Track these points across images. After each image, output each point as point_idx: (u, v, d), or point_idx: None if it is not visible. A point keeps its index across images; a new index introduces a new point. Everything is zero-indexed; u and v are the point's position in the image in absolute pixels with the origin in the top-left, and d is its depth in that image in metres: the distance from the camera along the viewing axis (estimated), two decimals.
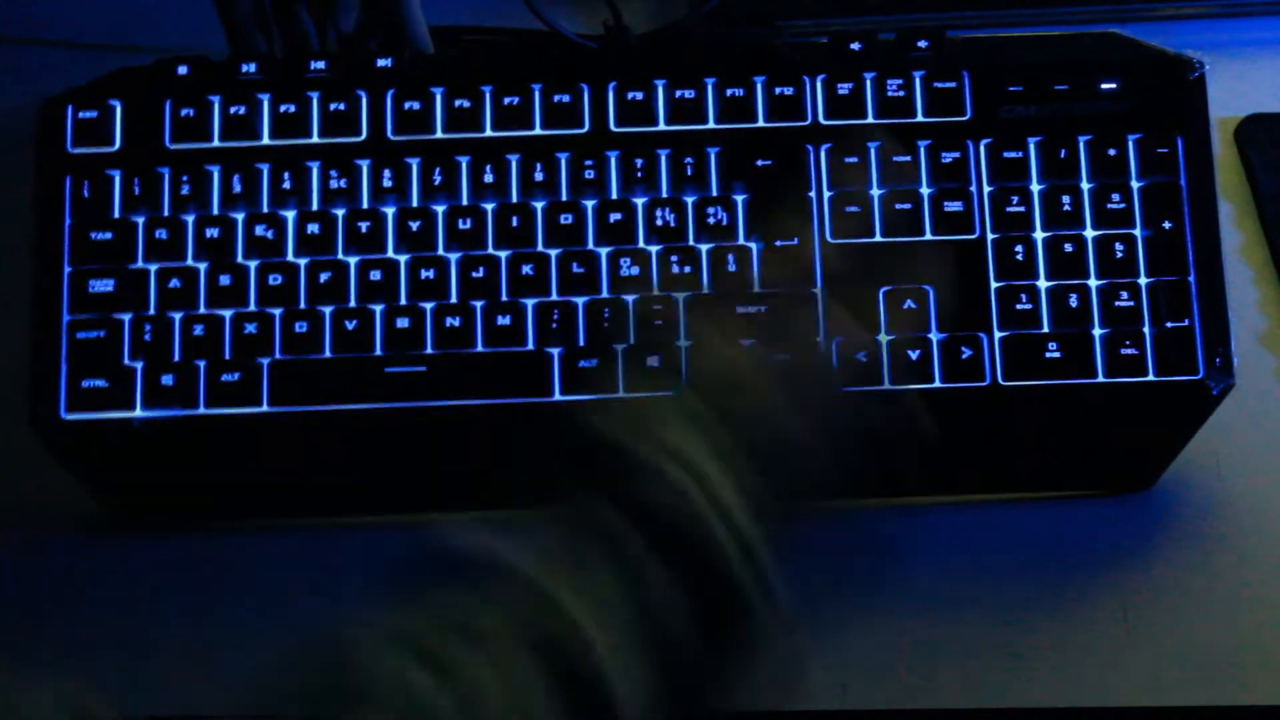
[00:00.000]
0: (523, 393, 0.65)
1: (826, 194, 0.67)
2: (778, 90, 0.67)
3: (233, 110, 0.68)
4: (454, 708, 0.44)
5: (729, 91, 0.67)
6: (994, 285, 0.66)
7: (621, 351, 0.65)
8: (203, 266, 0.67)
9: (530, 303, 0.66)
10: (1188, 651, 0.64)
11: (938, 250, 0.66)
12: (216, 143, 0.68)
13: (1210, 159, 0.66)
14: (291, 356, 0.66)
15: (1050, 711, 0.63)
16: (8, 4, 0.86)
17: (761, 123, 0.67)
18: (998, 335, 0.65)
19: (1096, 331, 0.65)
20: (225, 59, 0.69)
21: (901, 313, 0.65)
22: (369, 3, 0.75)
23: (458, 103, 0.68)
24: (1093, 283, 0.66)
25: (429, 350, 0.66)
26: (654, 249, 0.66)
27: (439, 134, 0.68)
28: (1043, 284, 0.66)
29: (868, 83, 0.67)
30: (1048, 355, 0.65)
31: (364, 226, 0.67)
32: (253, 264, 0.67)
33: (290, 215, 0.67)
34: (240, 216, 0.67)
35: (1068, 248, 0.66)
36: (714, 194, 0.67)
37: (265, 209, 0.67)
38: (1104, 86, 0.67)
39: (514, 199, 0.67)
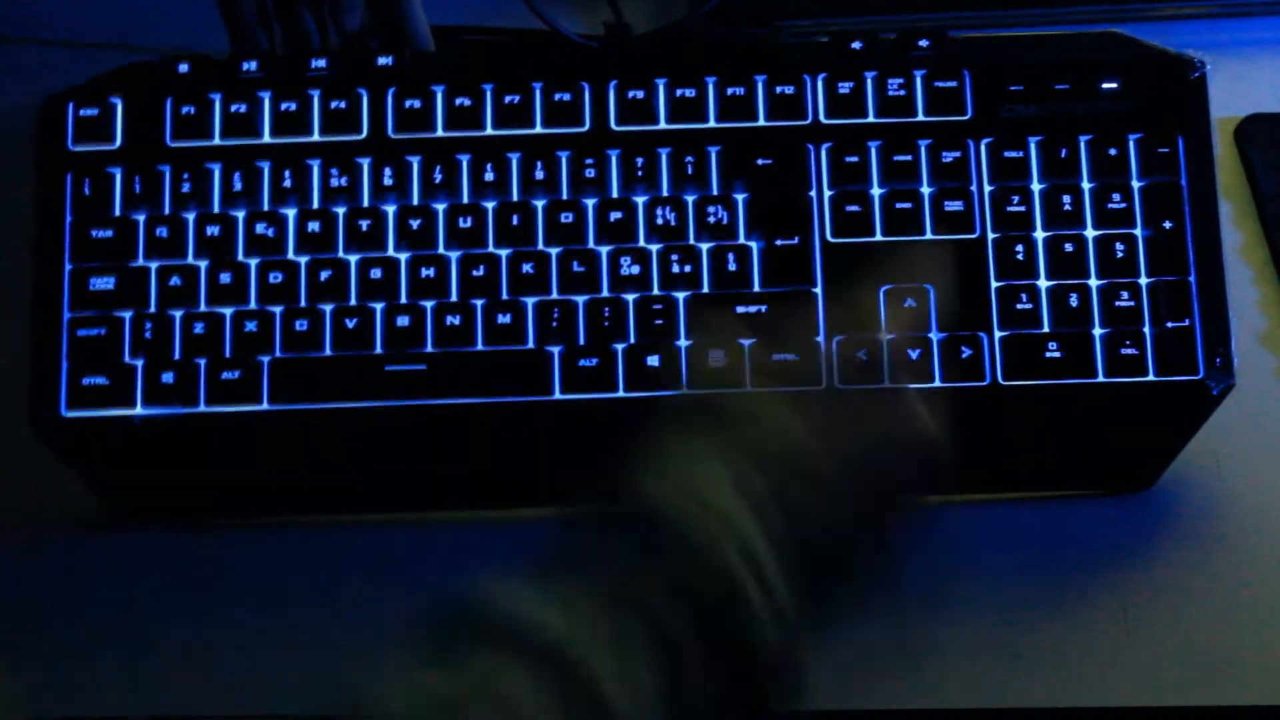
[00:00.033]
0: (523, 391, 0.65)
1: (827, 193, 0.67)
2: (778, 89, 0.67)
3: (234, 108, 0.68)
4: None
5: (730, 90, 0.67)
6: (994, 285, 0.66)
7: (622, 350, 0.65)
8: (203, 264, 0.67)
9: (530, 301, 0.66)
10: (1188, 651, 0.64)
11: (938, 249, 0.66)
12: (217, 140, 0.68)
13: (1211, 159, 0.66)
14: (292, 355, 0.66)
15: (1050, 711, 0.63)
16: (8, 4, 0.86)
17: (762, 121, 0.67)
18: (998, 335, 0.65)
19: (1097, 331, 0.65)
20: (226, 57, 0.69)
21: (902, 312, 0.65)
22: (372, 1, 0.75)
23: (459, 101, 0.68)
24: (1093, 282, 0.66)
25: (429, 349, 0.66)
26: (654, 248, 0.66)
27: (440, 132, 0.68)
28: (1043, 284, 0.66)
29: (869, 82, 0.67)
30: (1048, 355, 0.65)
31: (365, 225, 0.67)
32: (253, 262, 0.67)
33: (291, 213, 0.67)
34: (241, 214, 0.67)
35: (1068, 247, 0.66)
36: (715, 193, 0.67)
37: (266, 207, 0.67)
38: (1105, 86, 0.67)
39: (515, 197, 0.67)
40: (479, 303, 0.66)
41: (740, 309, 0.66)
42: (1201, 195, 0.66)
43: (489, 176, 0.67)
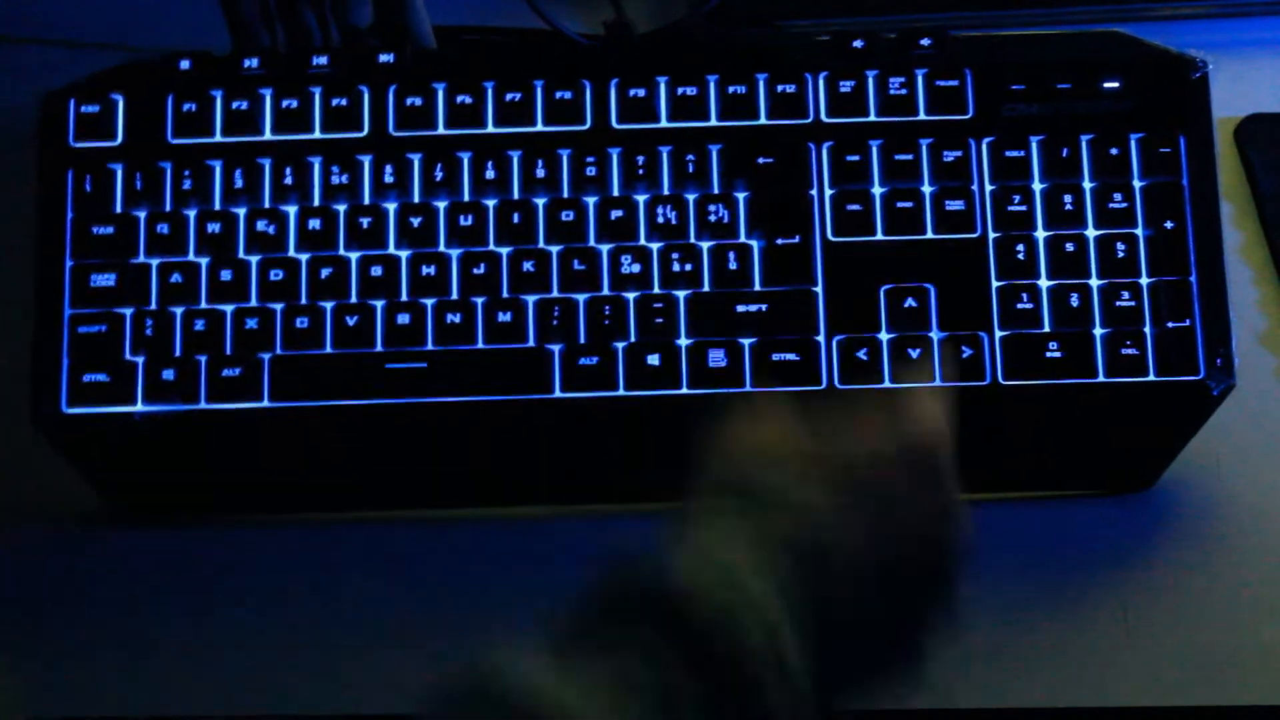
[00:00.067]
0: (523, 389, 0.65)
1: (828, 192, 0.67)
2: (780, 88, 0.67)
3: (235, 105, 0.68)
4: None
5: (731, 89, 0.67)
6: (995, 284, 0.66)
7: (622, 349, 0.65)
8: (204, 261, 0.67)
9: (531, 299, 0.66)
10: (1188, 651, 0.64)
11: (939, 249, 0.66)
12: (218, 137, 0.68)
13: (1213, 158, 0.66)
14: (292, 352, 0.66)
15: (1050, 711, 0.63)
16: (8, 4, 0.86)
17: (763, 120, 0.67)
18: (998, 334, 0.65)
19: (1097, 331, 0.65)
20: (228, 54, 0.69)
21: (902, 311, 0.65)
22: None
23: (460, 99, 0.68)
24: (1094, 282, 0.66)
25: (430, 346, 0.66)
26: (655, 246, 0.66)
27: (441, 130, 0.68)
28: (1044, 283, 0.66)
29: (870, 81, 0.67)
30: (1048, 355, 0.65)
31: (365, 222, 0.67)
32: (254, 259, 0.67)
33: (292, 210, 0.67)
34: (242, 211, 0.67)
35: (1069, 247, 0.66)
36: (715, 191, 0.67)
37: (267, 204, 0.67)
38: (1106, 85, 0.67)
39: (515, 195, 0.67)
40: (479, 301, 0.66)
41: (740, 308, 0.66)
42: (1203, 195, 0.66)
43: (490, 174, 0.67)
